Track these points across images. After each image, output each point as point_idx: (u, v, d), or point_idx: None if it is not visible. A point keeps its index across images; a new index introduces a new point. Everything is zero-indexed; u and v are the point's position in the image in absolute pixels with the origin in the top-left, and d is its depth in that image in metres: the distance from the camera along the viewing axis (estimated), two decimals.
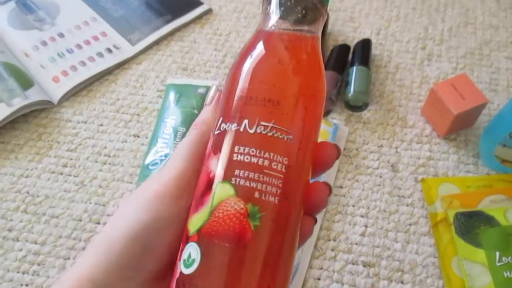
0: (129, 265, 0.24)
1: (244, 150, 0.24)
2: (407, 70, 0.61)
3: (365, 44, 0.61)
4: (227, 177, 0.23)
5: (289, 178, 0.24)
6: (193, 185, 0.26)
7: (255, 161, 0.23)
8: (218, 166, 0.24)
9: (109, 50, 0.63)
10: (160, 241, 0.25)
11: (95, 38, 0.64)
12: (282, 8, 0.26)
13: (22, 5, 0.68)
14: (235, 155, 0.24)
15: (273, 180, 0.23)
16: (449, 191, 0.50)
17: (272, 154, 0.24)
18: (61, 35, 0.64)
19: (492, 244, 0.45)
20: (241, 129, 0.24)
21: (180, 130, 0.53)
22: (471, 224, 0.47)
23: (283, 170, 0.24)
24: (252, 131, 0.24)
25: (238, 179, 0.23)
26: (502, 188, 0.50)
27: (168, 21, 0.66)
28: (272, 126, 0.24)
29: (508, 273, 0.44)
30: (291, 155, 0.24)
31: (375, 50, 0.63)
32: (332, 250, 0.47)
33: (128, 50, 0.63)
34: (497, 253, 0.45)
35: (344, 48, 0.61)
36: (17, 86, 0.57)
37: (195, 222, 0.24)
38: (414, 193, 0.51)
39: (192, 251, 0.23)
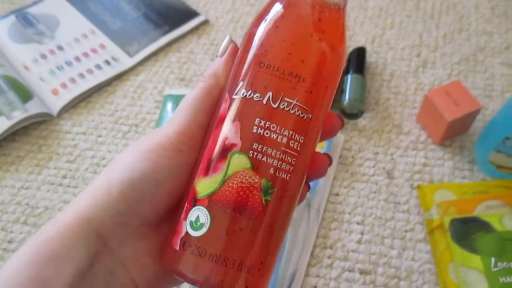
0: (125, 211, 0.24)
1: (265, 124, 0.24)
2: (402, 78, 0.62)
3: (360, 52, 0.61)
4: (244, 149, 0.23)
5: (302, 156, 0.25)
6: (197, 140, 0.26)
7: (275, 137, 0.24)
8: (235, 135, 0.24)
9: (108, 62, 0.64)
10: (158, 191, 0.25)
11: (94, 51, 0.65)
12: None
13: (22, 18, 0.69)
14: (255, 127, 0.24)
15: (288, 158, 0.24)
16: (444, 198, 0.50)
17: (291, 132, 0.24)
18: (60, 48, 0.65)
19: (488, 250, 0.46)
20: (264, 102, 0.24)
21: None
22: (466, 230, 0.47)
23: (299, 148, 0.24)
24: (275, 106, 0.24)
25: (255, 153, 0.23)
26: (498, 194, 0.50)
27: (166, 33, 0.67)
28: (295, 104, 0.24)
29: (504, 279, 0.44)
30: (307, 134, 0.25)
31: (370, 58, 0.64)
32: (329, 257, 0.47)
33: (126, 61, 0.64)
34: (493, 259, 0.45)
35: None
36: (17, 99, 0.58)
37: (205, 186, 0.24)
38: (410, 199, 0.51)
39: (200, 214, 0.23)
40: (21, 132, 0.57)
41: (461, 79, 0.61)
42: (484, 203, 0.49)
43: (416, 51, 0.64)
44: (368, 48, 0.64)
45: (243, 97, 0.24)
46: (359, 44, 0.65)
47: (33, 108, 0.58)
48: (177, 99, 0.58)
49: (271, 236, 0.24)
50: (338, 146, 0.55)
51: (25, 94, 0.59)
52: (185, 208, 0.25)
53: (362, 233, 0.49)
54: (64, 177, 0.54)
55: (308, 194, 0.49)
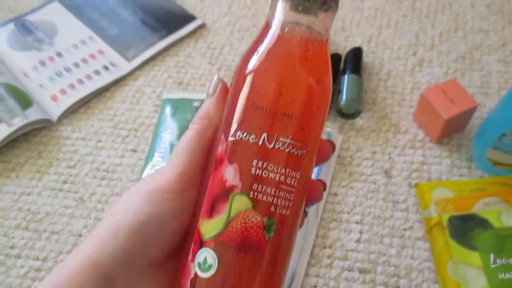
0: (132, 253, 0.25)
1: (262, 165, 0.25)
2: (399, 77, 0.62)
3: (356, 53, 0.62)
4: (244, 190, 0.24)
5: (299, 189, 0.26)
6: (196, 179, 0.27)
7: (273, 177, 0.25)
8: (235, 177, 0.25)
9: (106, 68, 0.64)
10: (163, 232, 0.26)
11: (92, 57, 0.66)
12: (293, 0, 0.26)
13: (21, 26, 0.69)
14: (253, 168, 0.24)
15: (287, 194, 0.25)
16: (443, 195, 0.50)
17: (288, 169, 0.25)
18: (59, 54, 0.66)
19: (487, 246, 0.46)
20: (260, 143, 0.25)
21: (176, 144, 0.54)
22: (465, 228, 0.47)
23: (296, 183, 0.25)
24: (271, 146, 0.25)
25: (256, 193, 0.24)
26: (496, 191, 0.50)
27: (163, 37, 0.68)
28: (289, 142, 0.25)
29: (503, 275, 0.44)
30: (303, 169, 0.26)
31: (366, 58, 0.64)
32: (328, 257, 0.47)
33: (124, 66, 0.65)
34: (492, 256, 0.45)
35: (336, 57, 0.62)
36: (17, 106, 0.58)
37: (210, 228, 0.25)
38: (408, 198, 0.51)
39: (208, 256, 0.24)
40: (21, 138, 0.58)
41: (458, 77, 0.61)
42: (482, 200, 0.49)
43: (413, 50, 0.65)
44: (365, 48, 0.65)
45: (239, 139, 0.25)
46: (356, 45, 0.65)
47: (33, 114, 0.58)
48: (175, 103, 0.59)
49: (277, 267, 0.25)
50: (335, 146, 0.55)
51: (25, 101, 0.60)
52: (191, 250, 0.26)
53: (361, 232, 0.49)
54: (65, 182, 0.54)
55: None
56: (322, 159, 0.28)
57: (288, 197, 0.25)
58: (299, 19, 0.26)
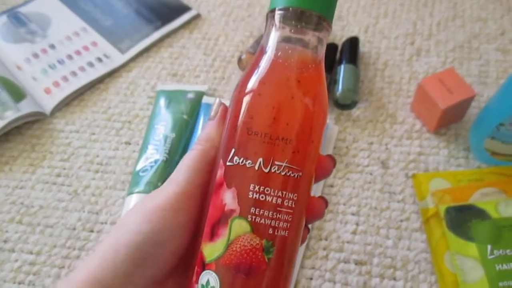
0: (133, 271, 0.25)
1: (259, 189, 0.25)
2: (396, 67, 0.61)
3: (353, 42, 0.61)
4: (243, 214, 0.25)
5: (297, 211, 0.26)
6: (196, 198, 0.27)
7: (270, 200, 0.25)
8: (233, 201, 0.25)
9: (100, 60, 0.64)
10: (162, 251, 0.26)
11: (86, 48, 0.65)
12: (288, 25, 0.26)
13: (13, 18, 0.69)
14: (250, 193, 0.25)
15: (285, 216, 0.26)
16: (440, 186, 0.50)
17: (284, 192, 0.25)
18: (52, 46, 0.65)
19: (484, 237, 0.45)
20: (256, 168, 0.25)
21: (170, 136, 0.54)
22: (462, 218, 0.47)
23: (293, 205, 0.26)
24: (267, 171, 0.25)
25: (254, 217, 0.25)
26: (493, 181, 0.50)
27: (157, 28, 0.67)
28: (285, 166, 0.25)
29: (500, 266, 0.43)
30: (300, 190, 0.26)
31: (363, 48, 0.63)
32: (324, 249, 0.47)
33: (118, 58, 0.64)
34: (489, 246, 0.44)
35: (332, 47, 0.61)
36: (9, 99, 0.58)
37: (211, 251, 0.25)
38: (405, 189, 0.51)
39: (210, 278, 0.25)
40: (14, 132, 0.57)
41: (456, 66, 0.60)
42: (479, 190, 0.49)
43: (410, 40, 0.64)
44: (361, 38, 0.64)
45: (236, 164, 0.26)
46: (352, 34, 0.64)
47: (26, 107, 0.57)
48: (169, 95, 0.58)
49: (278, 286, 0.26)
50: (332, 137, 0.54)
51: (17, 93, 0.59)
52: (195, 272, 0.26)
53: (357, 224, 0.48)
54: (58, 175, 0.54)
55: None
56: (323, 175, 0.28)
57: (287, 218, 0.26)
58: (292, 41, 0.26)
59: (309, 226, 0.48)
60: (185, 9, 0.69)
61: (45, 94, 0.60)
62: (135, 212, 0.27)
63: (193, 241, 0.27)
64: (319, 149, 0.28)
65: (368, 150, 0.54)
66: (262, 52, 0.27)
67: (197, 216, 0.27)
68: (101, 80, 0.62)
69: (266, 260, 0.25)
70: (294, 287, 0.45)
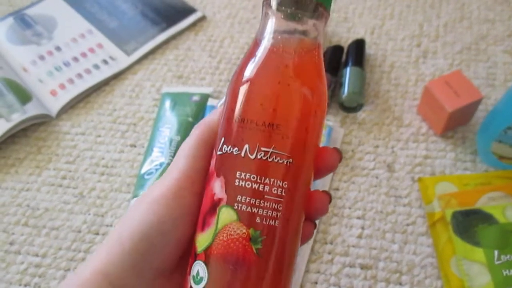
0: (139, 263, 0.25)
1: (245, 176, 0.24)
2: (402, 69, 0.61)
3: (359, 44, 0.60)
4: (230, 202, 0.24)
5: (289, 200, 0.25)
6: (197, 184, 0.26)
7: (256, 187, 0.24)
8: (221, 190, 0.25)
9: (105, 62, 0.64)
10: (167, 241, 0.26)
11: (91, 50, 0.65)
12: (282, 11, 0.25)
13: (20, 20, 0.69)
14: (237, 180, 0.24)
15: (273, 204, 0.24)
16: (446, 190, 0.49)
17: (272, 179, 0.24)
18: (58, 48, 0.65)
19: (491, 242, 0.45)
20: (242, 154, 0.25)
21: (175, 138, 0.53)
22: (469, 223, 0.46)
23: (283, 194, 0.25)
24: (252, 157, 0.24)
25: (240, 205, 0.24)
26: (501, 185, 0.49)
27: (163, 30, 0.67)
28: (272, 152, 0.24)
29: (508, 272, 0.43)
30: (290, 179, 0.25)
31: (369, 50, 0.63)
32: (329, 253, 0.47)
33: (124, 60, 0.64)
34: (496, 252, 0.44)
35: (338, 49, 0.60)
36: (16, 101, 0.58)
37: (202, 241, 0.25)
38: (411, 193, 0.50)
39: (199, 269, 0.25)
40: (20, 134, 0.58)
41: (463, 68, 0.60)
42: (486, 194, 0.48)
43: (417, 41, 0.63)
44: (367, 40, 0.63)
45: (224, 153, 0.25)
46: (358, 36, 0.64)
47: (32, 109, 0.58)
48: (175, 97, 0.58)
49: (270, 281, 0.25)
50: (337, 140, 0.54)
51: (24, 96, 0.59)
52: (189, 263, 0.26)
53: (362, 228, 0.48)
54: (64, 178, 0.54)
55: None
56: (328, 168, 0.27)
57: (275, 207, 0.24)
58: (287, 27, 0.26)
59: (316, 223, 0.48)
60: (190, 11, 0.69)
61: (51, 96, 0.60)
62: (139, 205, 0.27)
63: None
64: (316, 139, 0.27)
65: (374, 153, 0.53)
66: (256, 40, 0.26)
67: (200, 204, 0.27)
68: (106, 82, 0.63)
69: (254, 251, 0.24)
70: None
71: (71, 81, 0.62)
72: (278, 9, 0.26)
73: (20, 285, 0.47)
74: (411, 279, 0.45)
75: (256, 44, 0.26)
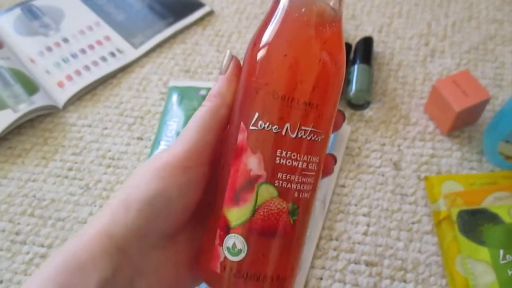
0: (144, 226, 0.26)
1: (286, 154, 0.25)
2: (410, 67, 0.61)
3: (367, 42, 0.60)
4: (270, 179, 0.25)
5: (318, 172, 0.27)
6: (205, 157, 0.27)
7: (296, 165, 0.25)
8: (259, 167, 0.25)
9: (113, 54, 0.64)
10: (172, 207, 0.26)
11: (99, 43, 0.65)
12: None
13: (27, 11, 0.69)
14: (277, 158, 0.25)
15: (309, 179, 0.26)
16: (452, 189, 0.49)
17: (309, 156, 0.26)
18: (65, 40, 0.65)
19: (496, 241, 0.45)
20: (283, 133, 0.25)
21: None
22: (474, 222, 0.46)
23: (316, 168, 0.26)
24: (293, 136, 0.25)
25: (281, 182, 0.25)
26: (507, 185, 0.49)
27: (170, 24, 0.67)
28: (311, 130, 0.26)
29: None
30: (321, 153, 0.27)
31: (377, 48, 0.63)
32: (334, 249, 0.47)
33: (131, 53, 0.64)
34: (501, 251, 0.44)
35: (346, 46, 0.60)
36: (23, 92, 0.58)
37: (237, 216, 0.26)
38: (417, 191, 0.50)
39: (236, 241, 0.26)
40: (27, 124, 0.58)
41: (471, 68, 0.60)
42: (492, 194, 0.48)
43: (424, 40, 0.63)
44: (375, 38, 0.63)
45: (261, 129, 0.25)
46: (366, 34, 0.64)
47: (39, 100, 0.58)
48: (182, 91, 0.58)
49: (299, 246, 0.27)
50: (344, 137, 0.54)
51: (31, 86, 0.59)
52: (218, 235, 0.26)
53: (368, 225, 0.48)
54: (70, 169, 0.54)
55: None
56: (335, 129, 0.29)
57: (310, 181, 0.26)
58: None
59: (320, 220, 0.48)
60: (198, 5, 0.69)
61: (58, 87, 0.60)
62: (145, 170, 0.27)
63: (204, 199, 0.28)
64: (337, 106, 0.28)
65: (380, 151, 0.53)
66: (279, 6, 0.26)
67: (207, 174, 0.27)
68: (113, 75, 0.63)
69: (291, 221, 0.26)
70: (304, 287, 0.45)
71: (78, 73, 0.62)
72: None
73: (25, 275, 0.47)
74: (416, 277, 0.45)
75: (281, 9, 0.26)
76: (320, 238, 0.48)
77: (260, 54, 0.25)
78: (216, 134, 0.27)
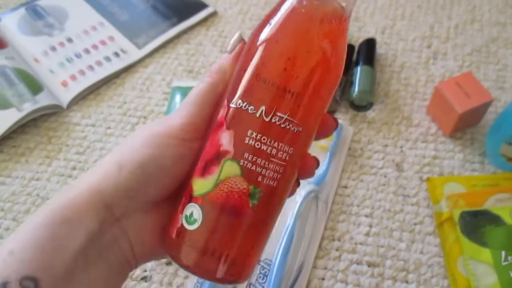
0: (134, 188, 0.26)
1: (256, 136, 0.25)
2: (412, 69, 0.61)
3: (370, 44, 0.61)
4: (236, 157, 0.25)
5: (290, 165, 0.26)
6: (201, 131, 0.27)
7: (265, 149, 0.25)
8: (229, 143, 0.25)
9: (116, 54, 0.64)
10: (164, 174, 0.27)
11: (103, 43, 0.65)
12: None
13: (31, 11, 0.69)
14: (247, 138, 0.25)
15: (277, 167, 0.26)
16: (454, 190, 0.50)
17: (280, 144, 0.25)
18: (69, 40, 0.66)
19: (498, 243, 0.45)
20: (257, 115, 0.25)
21: None
22: (476, 223, 0.47)
23: (287, 158, 0.26)
24: (267, 120, 0.25)
25: (246, 162, 0.25)
26: (509, 187, 0.49)
27: (174, 24, 0.67)
28: (286, 118, 0.25)
29: None
30: (296, 145, 0.26)
31: (380, 49, 0.63)
32: (337, 250, 0.47)
33: (134, 53, 0.64)
34: (503, 253, 0.44)
35: (349, 48, 0.60)
36: (27, 91, 0.58)
37: (200, 186, 0.26)
38: (419, 192, 0.50)
39: (194, 211, 0.26)
40: (31, 124, 0.58)
41: (473, 70, 0.60)
42: (494, 196, 0.49)
43: (427, 42, 0.63)
44: (378, 39, 0.63)
45: (239, 107, 0.26)
46: (369, 35, 0.64)
47: (43, 100, 0.58)
48: (185, 91, 0.58)
49: (256, 233, 0.27)
50: (347, 138, 0.54)
51: (35, 86, 0.60)
52: (182, 202, 0.27)
53: (370, 226, 0.48)
54: (74, 168, 0.54)
55: (316, 186, 0.49)
56: (324, 134, 0.28)
57: (278, 169, 0.26)
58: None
59: (323, 221, 0.48)
60: (202, 6, 0.69)
61: (61, 87, 0.61)
62: (141, 135, 0.27)
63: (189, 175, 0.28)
64: (326, 107, 0.27)
65: (383, 152, 0.54)
66: None
67: (200, 148, 0.28)
68: (117, 75, 0.63)
69: (251, 205, 0.26)
70: (306, 287, 0.45)
71: (82, 72, 0.62)
72: None
73: None
74: (418, 278, 0.45)
75: (289, 2, 0.26)
76: (323, 238, 0.48)
77: (256, 38, 0.26)
78: (212, 110, 0.28)
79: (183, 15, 0.68)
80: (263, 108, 0.25)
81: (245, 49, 0.27)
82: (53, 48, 0.65)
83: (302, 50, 0.25)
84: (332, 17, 0.26)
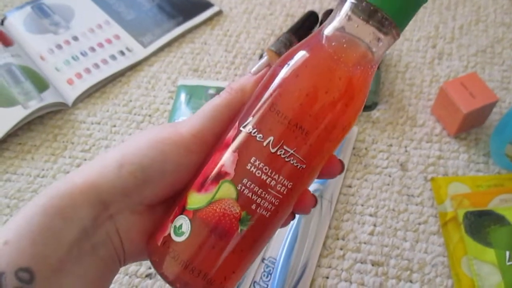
0: (131, 189, 0.26)
1: (258, 164, 0.25)
2: (417, 69, 0.61)
3: None
4: (235, 181, 0.25)
5: (287, 198, 0.26)
6: (208, 146, 0.27)
7: (264, 178, 0.25)
8: (231, 165, 0.25)
9: (122, 53, 0.64)
10: (163, 180, 0.27)
11: (108, 41, 0.66)
12: (355, 15, 0.25)
13: (38, 9, 0.69)
14: (249, 165, 0.25)
15: (273, 199, 0.26)
16: (459, 190, 0.50)
17: (281, 177, 0.25)
18: (75, 38, 0.66)
19: (502, 243, 0.45)
20: (264, 144, 0.25)
21: None
22: (481, 224, 0.47)
23: (285, 192, 0.26)
24: (273, 151, 0.25)
25: (243, 187, 0.25)
26: None
27: (179, 23, 0.67)
28: (291, 153, 0.25)
29: None
30: (297, 181, 0.26)
31: None
32: (341, 249, 0.47)
33: (140, 52, 0.65)
34: (507, 253, 0.44)
35: None
36: (33, 89, 0.59)
37: (194, 200, 0.26)
38: (424, 192, 0.51)
39: (184, 223, 0.26)
40: (36, 121, 0.58)
41: (478, 71, 0.60)
42: (499, 196, 0.49)
43: (432, 43, 0.64)
44: None
45: (248, 133, 0.26)
46: None
47: (48, 97, 0.58)
48: (190, 90, 0.58)
49: (239, 258, 0.27)
50: (351, 138, 0.55)
51: (41, 84, 0.60)
52: (174, 211, 0.27)
53: (374, 225, 0.49)
54: (79, 166, 0.55)
55: (320, 186, 0.49)
56: (327, 175, 0.28)
57: (273, 201, 0.26)
58: (351, 35, 0.25)
59: (327, 220, 0.48)
60: (207, 5, 0.69)
61: (67, 85, 0.61)
62: (147, 137, 0.27)
63: (187, 186, 0.28)
64: (334, 149, 0.27)
65: (387, 152, 0.54)
66: (319, 34, 0.26)
67: (203, 161, 0.28)
68: (122, 73, 0.63)
69: (239, 230, 0.26)
70: (310, 285, 0.45)
71: (87, 70, 0.62)
72: (352, 13, 0.25)
73: None
74: (422, 277, 0.45)
75: (318, 36, 0.26)
76: (327, 237, 0.48)
77: (280, 66, 0.26)
78: (224, 127, 0.27)
79: (188, 14, 0.68)
80: (271, 138, 0.25)
81: (267, 75, 0.27)
82: (59, 46, 0.65)
83: (321, 90, 0.25)
84: (359, 63, 0.25)
